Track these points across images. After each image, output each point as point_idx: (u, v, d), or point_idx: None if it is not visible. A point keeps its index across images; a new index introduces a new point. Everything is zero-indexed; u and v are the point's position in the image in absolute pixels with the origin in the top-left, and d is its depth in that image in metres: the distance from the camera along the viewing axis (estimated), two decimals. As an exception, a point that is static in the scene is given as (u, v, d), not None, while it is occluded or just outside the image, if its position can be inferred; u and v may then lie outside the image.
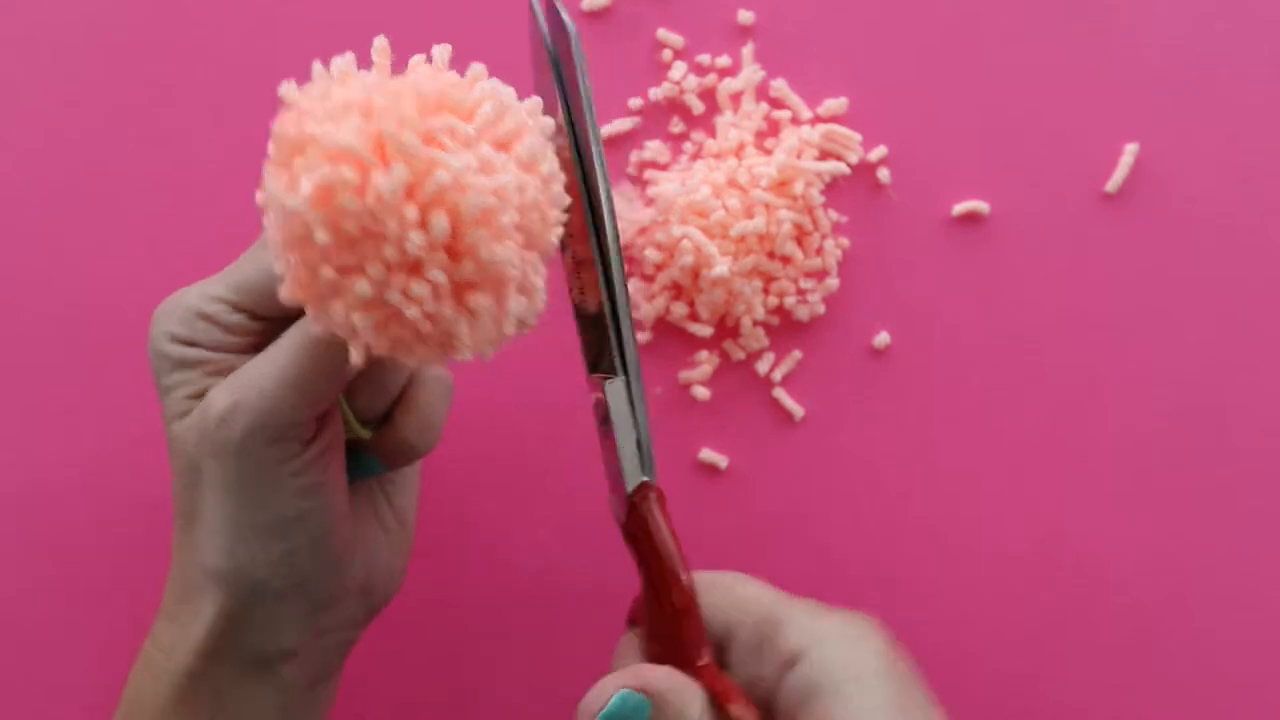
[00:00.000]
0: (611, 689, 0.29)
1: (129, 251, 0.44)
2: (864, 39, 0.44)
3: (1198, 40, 0.44)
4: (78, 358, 0.44)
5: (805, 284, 0.44)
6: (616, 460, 0.31)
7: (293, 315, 0.30)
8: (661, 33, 0.44)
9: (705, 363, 0.44)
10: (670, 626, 0.31)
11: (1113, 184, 0.44)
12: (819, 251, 0.44)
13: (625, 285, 0.31)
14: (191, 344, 0.31)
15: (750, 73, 0.44)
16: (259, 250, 0.32)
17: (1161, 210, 0.44)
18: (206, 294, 0.31)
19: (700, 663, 0.30)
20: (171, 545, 0.33)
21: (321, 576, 0.33)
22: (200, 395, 0.31)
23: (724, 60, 0.44)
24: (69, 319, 0.44)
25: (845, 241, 0.44)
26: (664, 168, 0.44)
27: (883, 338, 0.44)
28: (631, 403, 0.31)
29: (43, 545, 0.44)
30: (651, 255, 0.43)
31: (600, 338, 0.31)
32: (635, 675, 0.29)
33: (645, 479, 0.31)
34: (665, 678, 0.29)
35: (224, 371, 0.31)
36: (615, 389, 0.31)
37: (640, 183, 0.44)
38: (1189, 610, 0.43)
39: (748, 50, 0.44)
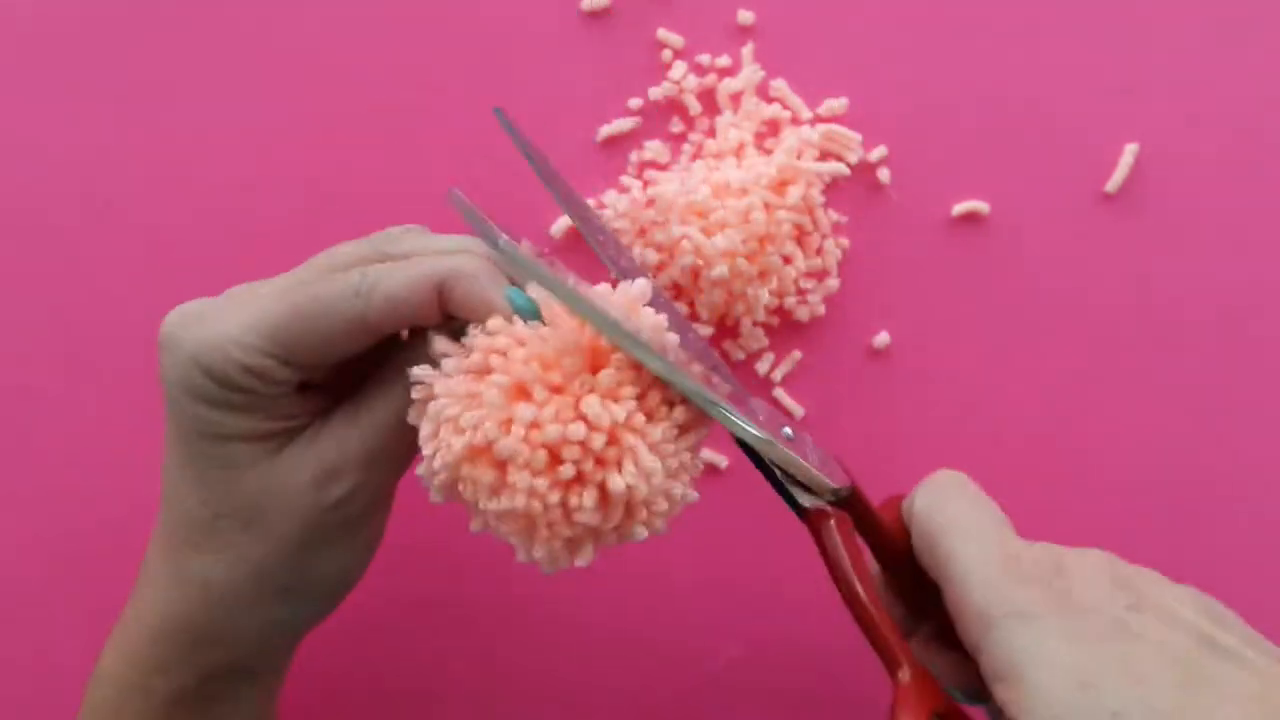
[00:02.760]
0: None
1: (129, 247, 0.44)
2: (864, 39, 0.44)
3: (1198, 40, 0.44)
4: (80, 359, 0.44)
5: (805, 284, 0.44)
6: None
7: (334, 365, 0.31)
8: (661, 33, 0.44)
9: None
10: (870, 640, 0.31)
11: (1113, 184, 0.44)
12: (819, 251, 0.44)
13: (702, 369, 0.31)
14: (239, 389, 0.30)
15: (750, 73, 0.44)
16: (295, 289, 0.30)
17: (1161, 210, 0.44)
18: (247, 344, 0.29)
19: (901, 679, 0.29)
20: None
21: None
22: (266, 436, 0.31)
23: (724, 60, 0.44)
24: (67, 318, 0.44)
25: (845, 241, 0.44)
26: (664, 168, 0.44)
27: (883, 338, 0.44)
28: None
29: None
30: (651, 256, 0.43)
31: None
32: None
33: (818, 504, 0.31)
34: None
35: (273, 428, 0.31)
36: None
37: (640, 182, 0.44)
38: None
39: (748, 50, 0.44)
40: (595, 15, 0.44)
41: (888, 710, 0.29)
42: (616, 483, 0.27)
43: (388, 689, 0.44)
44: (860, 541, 0.32)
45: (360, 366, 0.32)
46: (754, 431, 0.30)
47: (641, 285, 0.30)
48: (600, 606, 0.44)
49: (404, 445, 0.31)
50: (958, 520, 0.31)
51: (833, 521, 0.31)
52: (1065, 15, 0.44)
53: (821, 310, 0.44)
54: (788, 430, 0.31)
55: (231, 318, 0.30)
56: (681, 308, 0.43)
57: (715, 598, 0.44)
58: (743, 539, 0.44)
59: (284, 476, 0.31)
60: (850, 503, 0.32)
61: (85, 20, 0.45)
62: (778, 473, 0.31)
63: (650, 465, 0.27)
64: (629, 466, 0.27)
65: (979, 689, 0.30)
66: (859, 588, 0.30)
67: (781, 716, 0.44)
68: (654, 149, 0.44)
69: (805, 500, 0.31)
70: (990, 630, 0.28)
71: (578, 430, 0.26)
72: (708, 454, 0.44)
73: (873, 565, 0.35)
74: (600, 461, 0.27)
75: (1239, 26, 0.44)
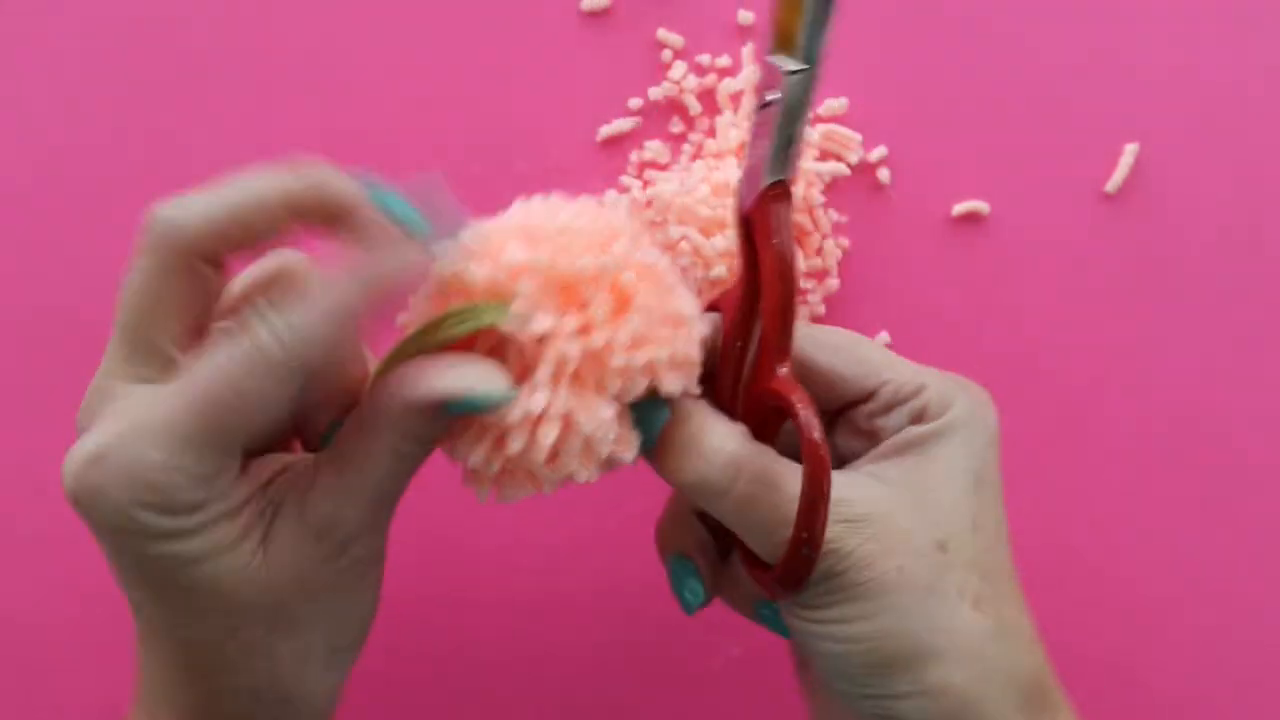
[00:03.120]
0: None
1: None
2: (864, 39, 0.44)
3: (1198, 40, 0.44)
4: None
5: (805, 284, 0.44)
6: (767, 151, 0.28)
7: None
8: (661, 33, 0.44)
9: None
10: (764, 329, 0.29)
11: (1113, 184, 0.44)
12: (819, 251, 0.44)
13: None
14: (191, 507, 0.26)
15: (750, 73, 0.44)
16: (192, 382, 0.26)
17: (1161, 210, 0.44)
18: (179, 456, 0.25)
19: (781, 370, 0.29)
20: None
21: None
22: (227, 546, 0.27)
23: (724, 60, 0.44)
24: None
25: (845, 241, 0.44)
26: (664, 168, 0.44)
27: (882, 338, 0.44)
28: (805, 100, 0.27)
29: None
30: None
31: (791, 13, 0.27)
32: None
33: (784, 177, 0.29)
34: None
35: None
36: (798, 81, 0.27)
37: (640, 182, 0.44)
38: (1189, 610, 0.43)
39: (748, 50, 0.44)
40: (595, 15, 0.44)
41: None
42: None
43: (384, 686, 0.44)
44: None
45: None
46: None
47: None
48: (598, 606, 0.44)
49: (400, 481, 0.29)
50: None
51: (788, 198, 0.30)
52: (1065, 15, 0.44)
53: (821, 310, 0.44)
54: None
55: (140, 440, 0.25)
56: None
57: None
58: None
59: (287, 568, 0.28)
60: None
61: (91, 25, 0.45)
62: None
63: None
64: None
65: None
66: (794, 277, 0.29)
67: (782, 716, 0.44)
68: (654, 149, 0.44)
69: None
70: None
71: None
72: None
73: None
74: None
75: (1239, 26, 0.44)
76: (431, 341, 0.27)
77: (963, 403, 0.31)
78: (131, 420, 0.26)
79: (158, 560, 0.26)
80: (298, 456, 0.30)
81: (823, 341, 0.32)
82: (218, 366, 0.25)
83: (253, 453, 0.28)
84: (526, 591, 0.44)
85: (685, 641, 0.44)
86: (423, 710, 0.44)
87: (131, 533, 0.26)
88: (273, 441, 0.30)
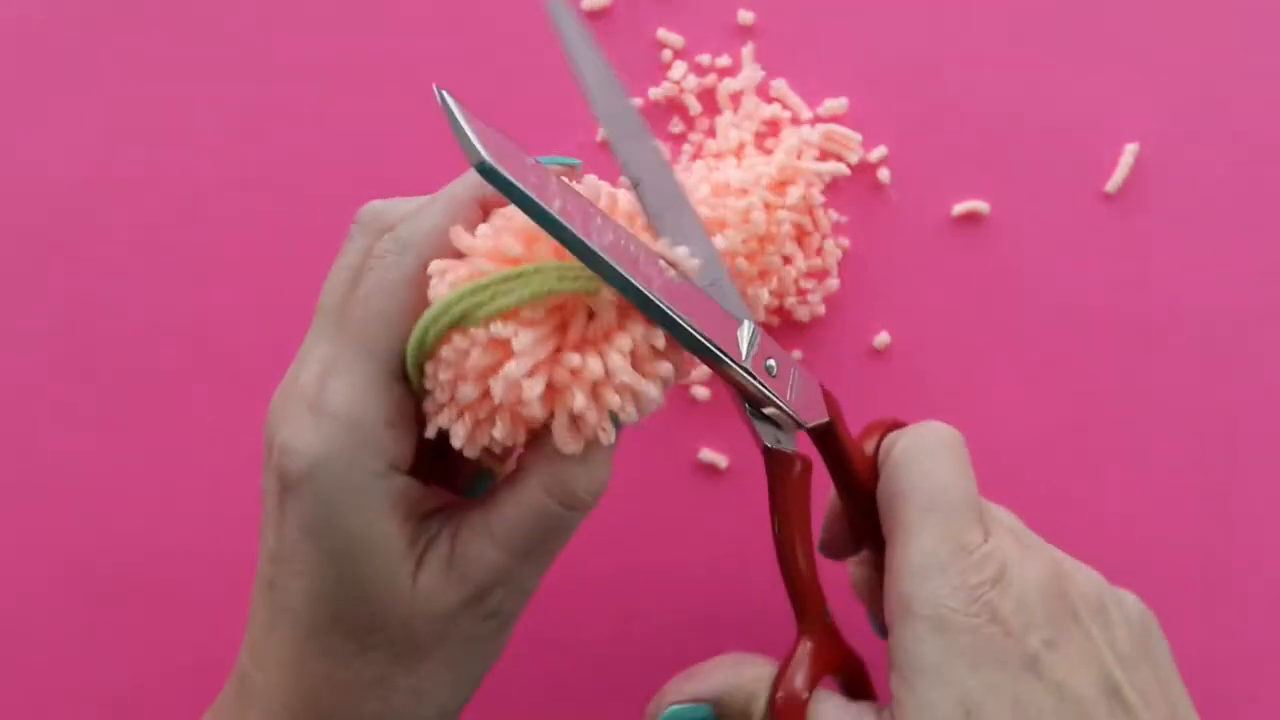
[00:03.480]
0: (668, 700, 0.30)
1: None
2: (864, 39, 0.44)
3: (1198, 40, 0.44)
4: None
5: (805, 284, 0.44)
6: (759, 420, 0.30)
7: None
8: (661, 33, 0.44)
9: (705, 363, 0.44)
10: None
11: (1113, 184, 0.44)
12: (819, 251, 0.44)
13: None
14: (391, 452, 0.27)
15: (750, 73, 0.44)
16: (346, 321, 0.28)
17: (1161, 210, 0.44)
18: (381, 383, 0.27)
19: (804, 638, 0.30)
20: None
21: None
22: (401, 547, 0.27)
23: (724, 60, 0.44)
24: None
25: (845, 241, 0.44)
26: (664, 168, 0.44)
27: (883, 338, 0.44)
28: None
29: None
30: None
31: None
32: (690, 680, 0.29)
33: (779, 446, 0.30)
34: (722, 682, 0.29)
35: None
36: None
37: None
38: (1190, 606, 0.43)
39: (748, 50, 0.44)
40: (595, 15, 0.44)
41: (782, 661, 0.29)
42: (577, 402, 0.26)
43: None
44: (808, 491, 0.31)
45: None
46: (734, 365, 0.28)
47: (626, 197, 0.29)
48: (594, 605, 0.44)
49: (545, 541, 0.29)
50: (926, 486, 0.30)
51: (795, 471, 0.30)
52: (1066, 15, 0.44)
53: (821, 310, 0.44)
54: (771, 363, 0.30)
55: (342, 389, 0.27)
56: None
57: (714, 596, 0.44)
58: (743, 538, 0.44)
59: (428, 605, 0.28)
60: (825, 436, 0.31)
61: (82, 20, 0.45)
62: (746, 406, 0.30)
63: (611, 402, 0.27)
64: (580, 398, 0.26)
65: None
66: (797, 548, 0.30)
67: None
68: (654, 149, 0.44)
69: (769, 438, 0.30)
70: (906, 620, 0.28)
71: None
72: (707, 455, 0.44)
73: (832, 494, 0.34)
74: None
75: (1239, 27, 0.44)
76: (490, 306, 0.26)
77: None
78: (313, 378, 0.27)
79: (344, 536, 0.27)
80: (456, 499, 0.30)
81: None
82: (358, 299, 0.27)
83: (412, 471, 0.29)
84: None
85: (682, 637, 0.44)
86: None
87: (349, 492, 0.26)
88: (422, 463, 0.30)
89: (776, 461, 0.30)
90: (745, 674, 0.30)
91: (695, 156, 0.44)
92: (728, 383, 0.30)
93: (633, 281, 0.26)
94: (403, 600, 0.27)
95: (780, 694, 0.29)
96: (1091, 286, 0.44)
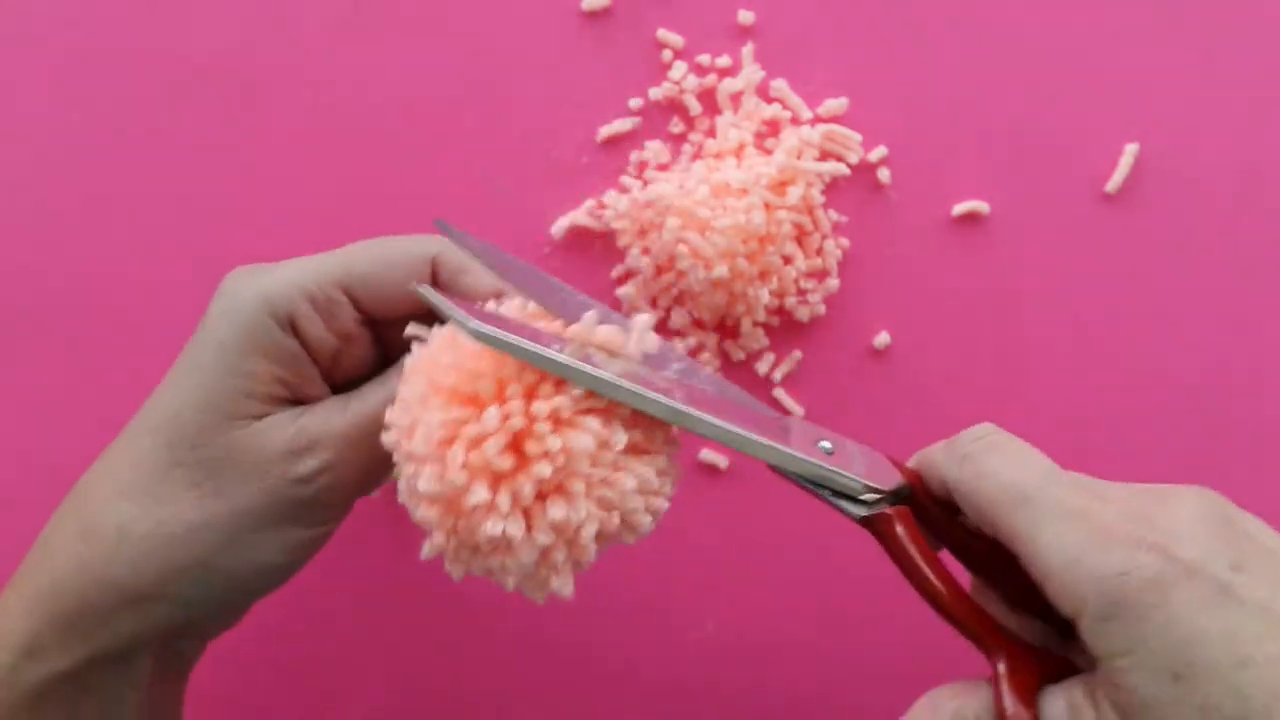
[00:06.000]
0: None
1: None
2: (864, 39, 0.44)
3: (1198, 40, 0.44)
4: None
5: (805, 284, 0.44)
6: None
7: (395, 320, 0.31)
8: (661, 33, 0.44)
9: (705, 363, 0.44)
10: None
11: (1113, 184, 0.44)
12: (819, 251, 0.44)
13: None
14: (294, 329, 0.30)
15: (750, 73, 0.44)
16: (375, 248, 0.32)
17: (1161, 210, 0.44)
18: (320, 273, 0.31)
19: (1000, 668, 0.28)
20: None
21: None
22: (276, 400, 0.31)
23: (724, 60, 0.44)
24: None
25: (845, 241, 0.44)
26: (664, 168, 0.44)
27: (883, 338, 0.44)
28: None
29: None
30: (650, 257, 0.43)
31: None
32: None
33: (877, 509, 0.30)
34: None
35: (306, 391, 0.31)
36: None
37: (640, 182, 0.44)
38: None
39: (748, 50, 0.44)
40: (595, 15, 0.44)
41: (993, 701, 0.28)
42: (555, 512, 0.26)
43: (373, 672, 0.44)
44: (918, 535, 0.30)
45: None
46: (794, 454, 0.29)
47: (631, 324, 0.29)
48: (593, 604, 0.44)
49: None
50: (1011, 486, 0.28)
51: (898, 526, 0.29)
52: (1065, 15, 0.44)
53: (821, 310, 0.44)
54: (825, 444, 0.30)
55: (298, 264, 0.31)
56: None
57: (713, 595, 0.44)
58: (743, 538, 0.44)
59: (259, 438, 0.30)
60: (909, 497, 0.31)
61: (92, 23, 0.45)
62: (826, 492, 0.30)
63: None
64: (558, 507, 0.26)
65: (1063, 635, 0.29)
66: (940, 586, 0.29)
67: (781, 716, 0.44)
68: (654, 149, 0.44)
69: (859, 510, 0.30)
70: (1083, 623, 0.25)
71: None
72: (708, 455, 0.44)
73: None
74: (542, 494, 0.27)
75: (1239, 26, 0.44)
76: None
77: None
78: (294, 260, 0.32)
79: (223, 368, 0.30)
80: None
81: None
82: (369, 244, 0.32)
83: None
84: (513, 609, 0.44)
85: (678, 632, 0.44)
86: (419, 697, 0.44)
87: (237, 328, 0.30)
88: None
89: (883, 524, 0.30)
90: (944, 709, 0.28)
91: (695, 156, 0.44)
92: (789, 477, 0.30)
93: (662, 400, 0.27)
94: (238, 431, 0.30)
95: (1008, 715, 0.27)
96: (1091, 286, 0.44)
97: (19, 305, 0.44)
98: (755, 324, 0.44)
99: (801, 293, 0.44)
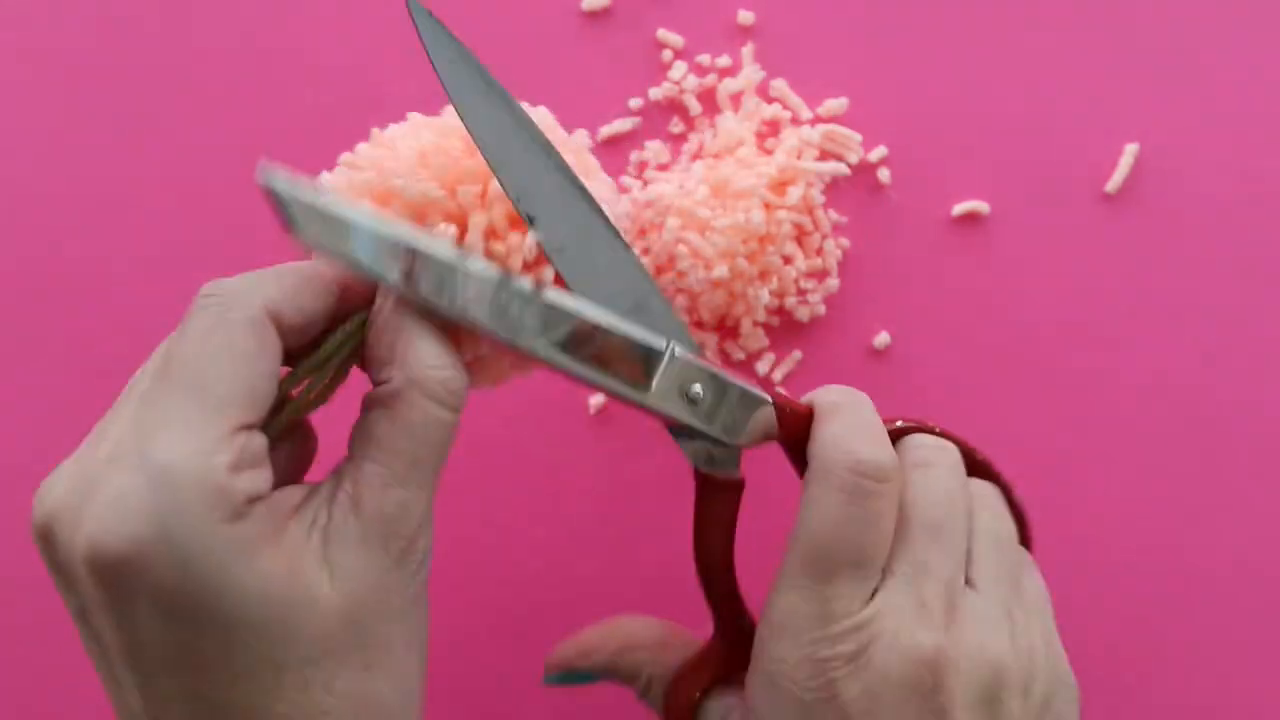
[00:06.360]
0: (555, 665, 0.33)
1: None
2: (864, 39, 0.44)
3: (1198, 40, 0.44)
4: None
5: (805, 284, 0.44)
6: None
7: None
8: (661, 33, 0.44)
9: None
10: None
11: (1113, 184, 0.44)
12: (819, 251, 0.44)
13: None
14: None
15: (750, 73, 0.44)
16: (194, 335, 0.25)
17: (1161, 210, 0.44)
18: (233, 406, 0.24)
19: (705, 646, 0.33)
20: None
21: None
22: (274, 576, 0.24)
23: (724, 60, 0.44)
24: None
25: (845, 241, 0.44)
26: (664, 168, 0.44)
27: (883, 338, 0.44)
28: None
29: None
30: (650, 257, 0.43)
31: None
32: (578, 647, 0.33)
33: (711, 470, 0.31)
34: (614, 654, 0.32)
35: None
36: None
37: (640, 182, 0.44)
38: (1189, 606, 0.43)
39: (748, 50, 0.44)
40: (595, 15, 0.44)
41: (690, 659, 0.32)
42: None
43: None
44: (734, 512, 0.32)
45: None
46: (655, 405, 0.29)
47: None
48: (592, 605, 0.44)
49: (429, 447, 0.26)
50: (816, 531, 0.28)
51: (722, 492, 0.31)
52: (1065, 15, 0.44)
53: (821, 310, 0.44)
54: (697, 388, 0.29)
55: (174, 440, 0.23)
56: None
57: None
58: (742, 539, 0.44)
59: (356, 583, 0.24)
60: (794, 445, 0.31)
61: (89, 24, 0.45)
62: (670, 430, 0.31)
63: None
64: None
65: None
66: (714, 552, 0.31)
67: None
68: (654, 149, 0.44)
69: (700, 460, 0.31)
70: (753, 666, 0.29)
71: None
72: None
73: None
74: None
75: (1239, 26, 0.44)
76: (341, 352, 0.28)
77: None
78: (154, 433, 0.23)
79: (210, 591, 0.22)
80: (312, 484, 0.27)
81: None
82: (190, 339, 0.25)
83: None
84: (515, 584, 0.44)
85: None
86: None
87: (183, 533, 0.22)
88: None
89: (703, 483, 0.31)
90: (638, 639, 0.32)
91: (695, 156, 0.44)
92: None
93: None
94: (328, 604, 0.24)
95: (675, 691, 0.31)
96: (1091, 286, 0.44)
97: (20, 305, 0.44)
98: (755, 324, 0.44)
99: (801, 293, 0.44)
